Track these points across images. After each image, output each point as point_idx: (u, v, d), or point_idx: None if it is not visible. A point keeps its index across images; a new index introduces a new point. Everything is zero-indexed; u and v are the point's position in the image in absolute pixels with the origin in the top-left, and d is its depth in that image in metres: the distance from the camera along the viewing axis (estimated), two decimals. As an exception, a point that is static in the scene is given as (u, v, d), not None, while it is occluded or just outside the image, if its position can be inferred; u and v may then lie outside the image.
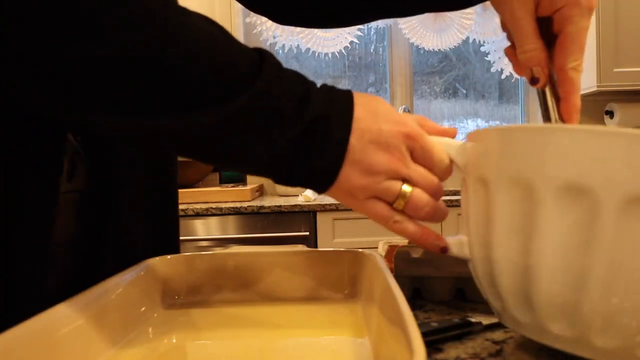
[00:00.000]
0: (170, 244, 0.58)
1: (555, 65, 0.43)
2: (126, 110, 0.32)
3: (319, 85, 0.38)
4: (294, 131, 0.35)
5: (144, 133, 0.34)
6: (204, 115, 0.33)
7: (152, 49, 0.31)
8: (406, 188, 0.37)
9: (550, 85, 0.44)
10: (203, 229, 1.90)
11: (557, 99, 0.43)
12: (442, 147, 0.39)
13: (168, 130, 0.33)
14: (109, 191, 0.48)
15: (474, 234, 0.37)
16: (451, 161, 0.39)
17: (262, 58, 0.35)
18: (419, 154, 0.38)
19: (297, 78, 0.36)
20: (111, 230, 0.48)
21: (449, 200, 1.90)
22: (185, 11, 0.34)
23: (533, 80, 0.44)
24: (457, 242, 0.39)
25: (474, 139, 0.38)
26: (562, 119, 0.43)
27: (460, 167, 0.39)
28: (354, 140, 0.36)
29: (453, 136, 0.41)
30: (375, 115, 0.37)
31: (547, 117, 0.44)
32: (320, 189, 0.37)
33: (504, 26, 0.45)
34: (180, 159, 0.49)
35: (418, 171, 0.38)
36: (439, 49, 2.30)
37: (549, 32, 0.43)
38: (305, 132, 0.35)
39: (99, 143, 0.47)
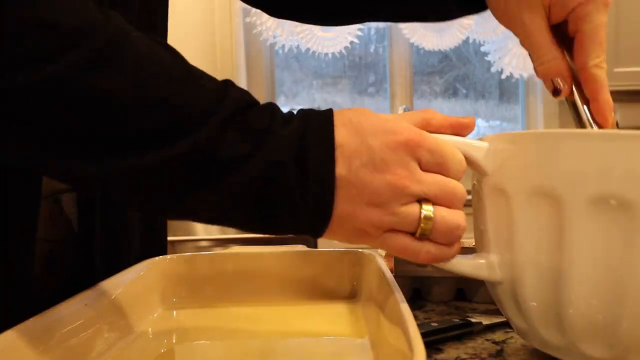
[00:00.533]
0: (160, 242, 0.58)
1: (577, 66, 0.40)
2: (45, 150, 0.28)
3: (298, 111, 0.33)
4: (244, 179, 0.29)
5: (68, 177, 0.31)
6: (136, 161, 0.28)
7: (71, 81, 0.26)
8: (427, 211, 0.31)
9: (578, 91, 0.41)
10: (203, 229, 1.90)
11: (587, 102, 0.41)
12: (453, 144, 0.33)
13: (94, 176, 0.29)
14: None
15: (530, 253, 0.32)
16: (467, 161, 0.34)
17: (225, 93, 0.30)
18: (428, 160, 0.31)
19: (263, 115, 0.31)
20: (110, 228, 0.48)
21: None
22: (125, 34, 0.29)
23: (555, 92, 0.41)
24: (487, 264, 0.35)
25: (510, 142, 0.33)
26: (597, 122, 0.40)
27: (488, 172, 0.34)
28: (342, 171, 0.30)
29: (471, 125, 0.35)
30: (359, 133, 0.31)
31: (581, 125, 0.41)
32: (317, 236, 0.32)
33: (522, 44, 0.43)
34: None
35: (432, 182, 0.31)
36: (439, 49, 2.30)
37: (565, 35, 0.41)
38: (264, 181, 0.29)
39: None
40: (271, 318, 0.43)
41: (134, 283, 0.41)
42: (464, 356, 0.38)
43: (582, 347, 0.31)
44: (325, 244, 2.02)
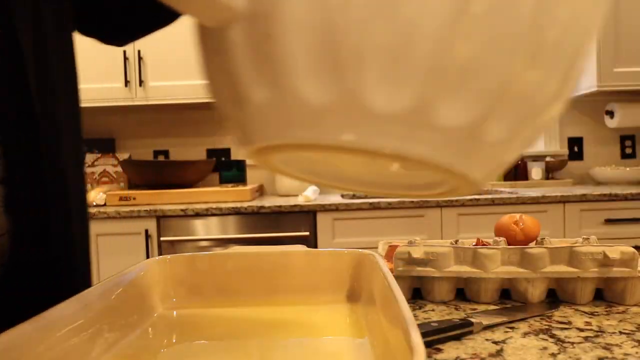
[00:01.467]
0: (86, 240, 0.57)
1: None
2: None
3: None
4: None
5: None
6: None
7: None
8: None
9: None
10: (203, 229, 1.90)
11: None
12: None
13: None
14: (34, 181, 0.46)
15: None
16: None
17: None
18: None
19: None
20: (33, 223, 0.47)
21: (449, 200, 1.90)
22: None
23: None
24: None
25: None
26: None
27: None
28: None
29: None
30: None
31: None
32: None
33: None
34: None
35: None
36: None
37: None
38: None
39: (18, 133, 0.45)
40: (271, 318, 0.43)
41: (134, 283, 0.41)
42: (464, 356, 0.38)
43: (368, 94, 0.18)
44: (325, 244, 2.02)
